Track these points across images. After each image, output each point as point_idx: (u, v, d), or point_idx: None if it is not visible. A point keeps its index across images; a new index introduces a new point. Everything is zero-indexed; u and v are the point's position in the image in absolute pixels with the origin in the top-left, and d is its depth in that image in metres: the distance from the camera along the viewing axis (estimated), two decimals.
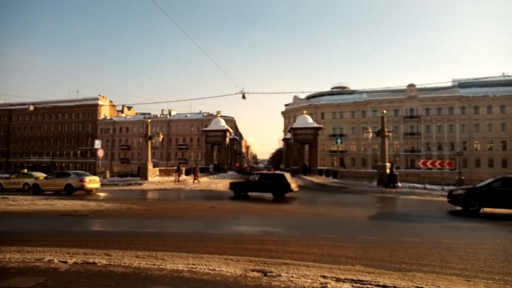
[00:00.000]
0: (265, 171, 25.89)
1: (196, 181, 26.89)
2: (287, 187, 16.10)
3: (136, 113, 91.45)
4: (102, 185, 24.07)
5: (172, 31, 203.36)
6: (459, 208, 11.74)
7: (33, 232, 7.77)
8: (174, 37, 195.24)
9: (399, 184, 22.15)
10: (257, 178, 16.98)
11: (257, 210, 12.38)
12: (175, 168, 29.38)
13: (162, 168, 34.42)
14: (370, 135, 26.68)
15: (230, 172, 44.90)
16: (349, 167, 58.75)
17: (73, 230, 8.18)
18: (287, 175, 17.12)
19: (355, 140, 63.47)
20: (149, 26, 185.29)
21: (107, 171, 35.41)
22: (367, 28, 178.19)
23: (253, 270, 4.51)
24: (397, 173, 24.76)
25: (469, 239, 7.22)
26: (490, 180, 11.83)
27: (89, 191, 17.95)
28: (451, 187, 21.32)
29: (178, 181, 26.20)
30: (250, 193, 16.80)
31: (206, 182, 27.50)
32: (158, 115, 79.75)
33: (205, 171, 38.51)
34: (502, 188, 11.08)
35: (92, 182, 17.91)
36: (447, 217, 10.87)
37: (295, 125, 42.16)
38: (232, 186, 17.44)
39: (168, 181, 26.52)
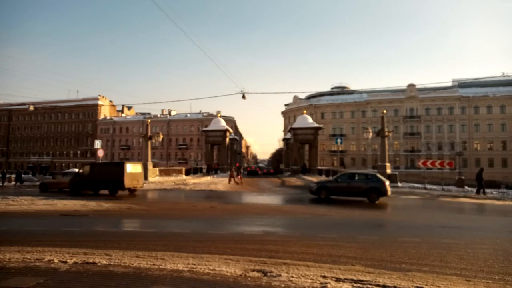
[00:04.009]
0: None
1: (232, 182, 25.81)
2: (121, 183, 16.40)
3: (136, 113, 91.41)
4: None
5: (172, 30, 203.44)
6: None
7: (33, 232, 7.77)
8: (174, 37, 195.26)
9: (399, 184, 22.10)
10: (87, 170, 17.54)
11: (257, 210, 12.38)
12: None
13: (162, 168, 34.42)
14: (370, 135, 26.65)
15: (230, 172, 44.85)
16: (349, 167, 58.72)
17: (73, 230, 8.17)
18: (129, 165, 17.26)
19: (355, 140, 63.44)
20: (149, 25, 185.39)
21: None
22: (367, 28, 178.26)
23: (253, 270, 4.51)
24: (396, 173, 24.70)
25: (469, 239, 7.22)
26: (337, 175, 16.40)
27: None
28: (450, 187, 21.36)
29: (236, 182, 25.72)
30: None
31: (206, 181, 27.50)
32: (158, 115, 79.72)
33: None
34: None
35: None
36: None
37: (295, 125, 42.09)
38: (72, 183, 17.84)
39: (168, 181, 26.48)
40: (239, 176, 26.97)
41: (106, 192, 17.24)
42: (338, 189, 15.09)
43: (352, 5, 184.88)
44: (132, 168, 17.79)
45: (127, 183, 16.94)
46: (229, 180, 26.40)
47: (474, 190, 19.45)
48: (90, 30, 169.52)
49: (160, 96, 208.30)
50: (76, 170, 20.75)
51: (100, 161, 28.48)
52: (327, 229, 8.59)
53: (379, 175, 15.35)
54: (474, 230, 8.61)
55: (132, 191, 17.87)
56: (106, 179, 17.09)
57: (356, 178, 15.25)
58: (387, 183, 14.65)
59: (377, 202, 14.16)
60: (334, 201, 14.78)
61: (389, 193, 14.56)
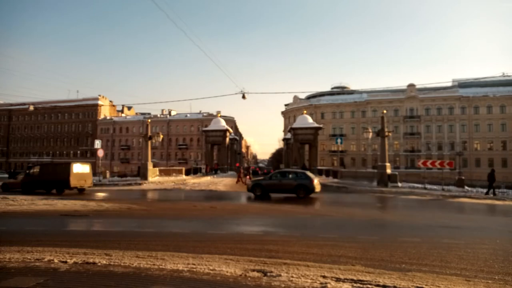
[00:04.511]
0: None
1: (240, 182, 26.31)
2: (67, 183, 17.36)
3: (136, 113, 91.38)
4: (102, 185, 24.10)
5: (172, 30, 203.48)
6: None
7: (33, 232, 7.76)
8: (174, 37, 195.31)
9: (399, 184, 22.10)
10: (37, 170, 18.57)
11: (257, 210, 12.38)
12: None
13: (162, 168, 34.38)
14: (370, 135, 26.63)
15: (230, 172, 44.89)
16: (349, 167, 58.71)
17: (73, 230, 8.17)
18: (77, 165, 18.25)
19: (355, 140, 63.43)
20: (149, 25, 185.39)
21: (107, 171, 35.37)
22: (367, 28, 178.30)
23: (253, 270, 4.51)
24: (396, 173, 24.68)
25: (469, 239, 7.22)
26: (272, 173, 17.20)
27: None
28: (450, 187, 21.37)
29: (241, 182, 25.96)
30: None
31: (206, 182, 27.50)
32: (158, 115, 79.69)
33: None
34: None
35: None
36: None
37: (295, 125, 42.07)
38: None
39: (168, 181, 26.47)
40: (247, 177, 26.94)
41: (103, 192, 17.46)
42: (272, 186, 15.78)
43: (352, 5, 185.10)
44: (79, 168, 18.48)
45: (74, 182, 17.64)
46: (237, 181, 26.38)
47: (474, 190, 19.47)
48: (90, 30, 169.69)
49: (160, 96, 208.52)
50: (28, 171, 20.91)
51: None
52: (327, 229, 8.59)
53: (308, 173, 15.93)
54: (474, 230, 8.61)
55: (80, 190, 18.36)
56: (54, 179, 17.79)
57: (288, 176, 16.08)
58: (315, 181, 15.35)
59: (307, 197, 15.04)
60: (269, 198, 15.26)
61: (317, 189, 15.27)
